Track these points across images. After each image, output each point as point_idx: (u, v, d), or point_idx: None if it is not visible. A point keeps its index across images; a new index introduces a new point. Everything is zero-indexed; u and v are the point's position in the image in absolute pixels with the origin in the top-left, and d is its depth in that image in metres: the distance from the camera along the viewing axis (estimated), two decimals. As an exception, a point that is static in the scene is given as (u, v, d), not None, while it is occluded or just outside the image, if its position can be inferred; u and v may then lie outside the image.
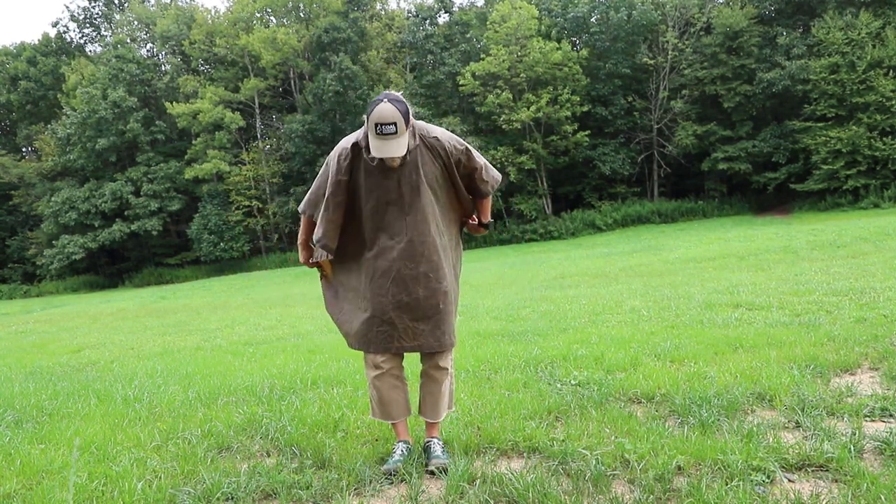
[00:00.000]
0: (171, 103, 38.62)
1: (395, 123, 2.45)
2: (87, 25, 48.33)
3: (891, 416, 3.02)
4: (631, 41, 34.42)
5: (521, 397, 3.71)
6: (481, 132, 36.14)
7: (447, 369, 2.89)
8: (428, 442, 2.89)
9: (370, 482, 2.66)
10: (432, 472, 2.70)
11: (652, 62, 34.43)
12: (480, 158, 2.85)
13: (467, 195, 2.91)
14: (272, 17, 41.89)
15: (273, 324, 10.51)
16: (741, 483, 2.37)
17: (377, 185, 2.69)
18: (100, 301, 26.42)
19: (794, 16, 33.61)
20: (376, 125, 2.45)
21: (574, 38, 36.74)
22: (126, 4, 47.09)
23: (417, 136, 2.67)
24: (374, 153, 2.53)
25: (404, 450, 2.85)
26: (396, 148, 2.50)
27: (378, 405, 2.89)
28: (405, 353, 2.91)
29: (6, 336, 13.28)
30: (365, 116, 2.56)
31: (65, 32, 48.11)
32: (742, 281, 9.69)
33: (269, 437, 3.32)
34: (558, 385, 3.97)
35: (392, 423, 2.94)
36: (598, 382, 3.90)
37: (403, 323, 2.74)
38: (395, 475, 2.68)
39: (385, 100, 2.50)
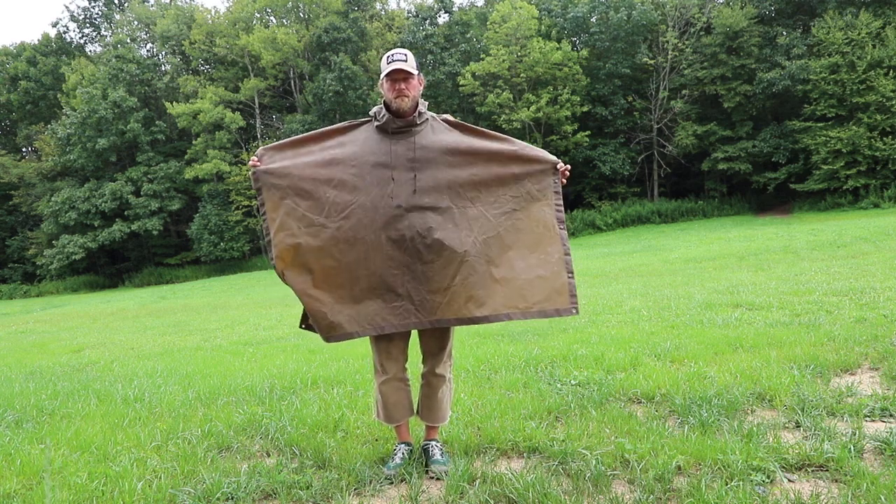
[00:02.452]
0: (171, 103, 38.59)
1: (405, 54, 2.68)
2: (87, 25, 48.33)
3: (891, 416, 3.02)
4: (631, 41, 34.39)
5: (521, 397, 3.71)
6: (481, 132, 36.11)
7: (444, 376, 2.88)
8: (426, 444, 2.89)
9: (370, 482, 2.66)
10: (433, 476, 2.71)
11: (652, 62, 34.41)
12: None
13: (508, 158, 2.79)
14: (272, 17, 41.86)
15: (273, 324, 10.50)
16: (741, 483, 2.37)
17: (387, 151, 2.69)
18: (100, 301, 26.41)
19: (794, 16, 33.59)
20: (387, 57, 2.69)
21: (574, 38, 36.70)
22: (126, 4, 47.07)
23: (429, 115, 2.80)
24: (384, 73, 2.67)
25: (405, 452, 2.85)
26: (404, 66, 2.64)
27: (382, 409, 2.89)
28: (408, 357, 2.90)
29: (6, 336, 13.27)
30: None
31: (65, 32, 48.11)
32: (742, 281, 9.69)
33: (269, 437, 3.32)
34: (558, 385, 3.97)
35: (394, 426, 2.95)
36: (598, 382, 3.90)
37: (420, 295, 2.63)
38: (396, 478, 2.70)
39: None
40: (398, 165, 2.67)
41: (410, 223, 2.63)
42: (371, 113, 2.79)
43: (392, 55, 2.67)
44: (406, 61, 2.64)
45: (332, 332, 2.71)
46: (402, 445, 2.89)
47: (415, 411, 2.96)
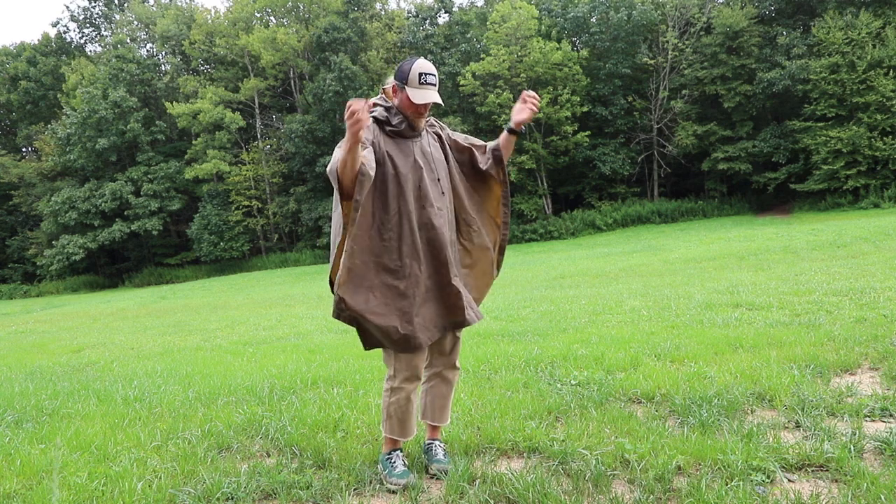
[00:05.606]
0: (171, 103, 38.61)
1: (436, 76, 2.59)
2: (87, 25, 48.32)
3: (891, 416, 3.02)
4: (631, 41, 34.40)
5: (521, 397, 3.71)
6: (481, 132, 36.10)
7: (459, 369, 2.91)
8: (429, 444, 2.87)
9: (370, 482, 2.66)
10: (433, 475, 2.70)
11: (652, 62, 34.41)
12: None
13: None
14: (272, 17, 41.86)
15: (273, 324, 10.50)
16: (741, 483, 2.37)
17: (408, 153, 2.67)
18: (100, 301, 26.40)
19: (794, 16, 33.59)
20: (421, 74, 2.56)
21: (574, 38, 36.70)
22: (126, 4, 47.07)
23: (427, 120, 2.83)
24: (417, 100, 2.57)
25: (404, 458, 2.82)
26: (435, 96, 2.58)
27: (398, 424, 2.74)
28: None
29: (6, 336, 13.27)
30: (393, 78, 2.65)
31: (65, 32, 48.10)
32: (742, 281, 9.68)
33: (269, 437, 3.32)
34: (558, 385, 3.97)
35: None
36: (598, 382, 3.90)
37: (464, 292, 2.73)
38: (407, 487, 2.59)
39: (420, 58, 2.64)
40: (409, 171, 2.66)
41: (441, 223, 2.69)
42: (381, 117, 2.66)
43: (425, 75, 2.56)
44: (436, 86, 2.59)
45: (407, 344, 2.63)
46: (398, 452, 2.78)
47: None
